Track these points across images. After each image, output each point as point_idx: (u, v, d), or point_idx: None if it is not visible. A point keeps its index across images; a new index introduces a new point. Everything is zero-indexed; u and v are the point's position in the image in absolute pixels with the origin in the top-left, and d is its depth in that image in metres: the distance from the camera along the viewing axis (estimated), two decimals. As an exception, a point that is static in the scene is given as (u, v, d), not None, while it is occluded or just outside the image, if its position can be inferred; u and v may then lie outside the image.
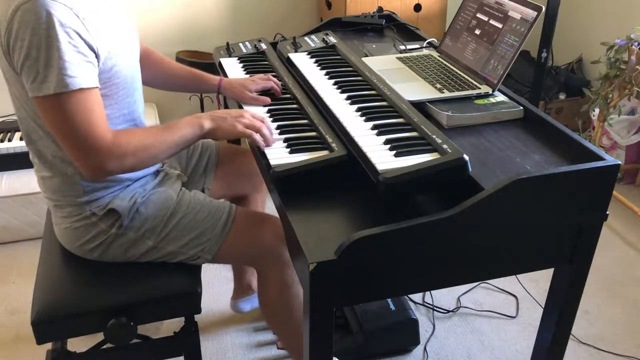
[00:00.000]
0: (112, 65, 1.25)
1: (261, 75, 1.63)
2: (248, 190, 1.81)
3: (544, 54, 2.48)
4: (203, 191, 1.64)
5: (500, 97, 1.49)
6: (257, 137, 1.30)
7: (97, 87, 1.20)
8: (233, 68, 1.77)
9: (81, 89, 1.15)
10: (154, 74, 1.63)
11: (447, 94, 1.49)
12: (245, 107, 1.53)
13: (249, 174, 1.76)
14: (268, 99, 1.53)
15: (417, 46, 1.87)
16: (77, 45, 1.15)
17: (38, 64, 1.12)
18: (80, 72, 1.15)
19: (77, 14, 1.16)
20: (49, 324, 1.32)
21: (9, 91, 1.28)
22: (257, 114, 1.39)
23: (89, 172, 1.22)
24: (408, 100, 1.41)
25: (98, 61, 1.21)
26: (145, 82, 1.58)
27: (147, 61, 1.61)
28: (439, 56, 1.73)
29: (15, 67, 1.16)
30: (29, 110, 1.26)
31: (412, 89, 1.51)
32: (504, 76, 1.49)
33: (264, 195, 1.88)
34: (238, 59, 1.83)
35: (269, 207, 1.96)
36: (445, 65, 1.66)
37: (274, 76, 1.62)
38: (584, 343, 1.94)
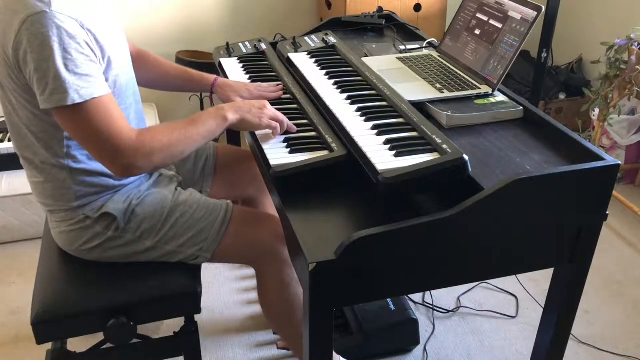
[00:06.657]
0: (112, 74, 1.27)
1: (266, 86, 1.59)
2: (252, 192, 1.78)
3: (544, 54, 2.48)
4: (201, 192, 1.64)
5: (500, 97, 1.49)
6: (279, 129, 1.34)
7: (109, 93, 1.22)
8: (233, 68, 1.77)
9: (99, 97, 1.17)
10: (150, 75, 1.63)
11: (447, 94, 1.49)
12: None
13: (251, 178, 1.74)
14: None
15: (417, 46, 1.87)
16: (88, 55, 1.17)
17: (48, 76, 1.13)
18: (93, 81, 1.17)
19: (83, 25, 1.17)
20: (49, 324, 1.32)
21: (3, 97, 1.27)
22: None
23: (119, 173, 1.24)
24: (408, 100, 1.41)
25: (103, 71, 1.23)
26: (141, 84, 1.59)
27: (143, 62, 1.61)
28: (439, 56, 1.73)
29: (26, 79, 1.17)
30: (22, 117, 1.26)
31: (412, 89, 1.51)
32: (504, 76, 1.49)
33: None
34: (238, 59, 1.83)
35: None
36: (445, 65, 1.66)
37: (274, 76, 1.61)
38: (584, 343, 1.94)
